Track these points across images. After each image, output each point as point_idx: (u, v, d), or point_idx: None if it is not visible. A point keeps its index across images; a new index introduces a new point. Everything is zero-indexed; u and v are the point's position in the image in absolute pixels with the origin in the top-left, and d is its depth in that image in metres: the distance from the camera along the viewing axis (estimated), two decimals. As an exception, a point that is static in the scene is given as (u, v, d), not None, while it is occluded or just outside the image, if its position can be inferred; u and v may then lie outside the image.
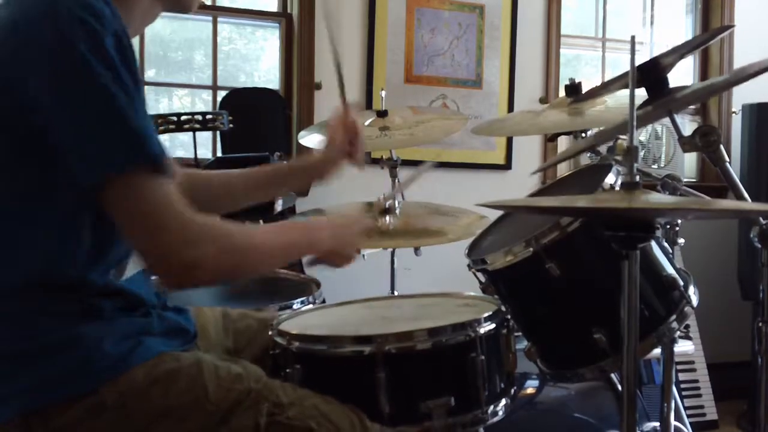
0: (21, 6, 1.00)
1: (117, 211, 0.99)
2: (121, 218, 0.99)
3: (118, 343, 1.05)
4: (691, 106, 3.71)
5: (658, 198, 1.09)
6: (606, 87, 1.66)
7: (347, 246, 1.29)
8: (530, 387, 1.82)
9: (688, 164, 3.77)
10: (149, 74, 3.10)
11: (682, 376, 3.17)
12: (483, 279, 1.48)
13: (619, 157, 1.57)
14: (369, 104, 3.10)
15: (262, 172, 1.52)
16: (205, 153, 3.05)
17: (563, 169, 3.35)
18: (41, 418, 1.01)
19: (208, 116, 2.53)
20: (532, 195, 1.74)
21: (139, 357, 1.06)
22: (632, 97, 1.08)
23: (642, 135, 3.46)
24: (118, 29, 0.98)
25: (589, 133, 2.04)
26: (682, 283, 1.37)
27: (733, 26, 3.58)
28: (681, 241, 1.71)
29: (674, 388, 1.76)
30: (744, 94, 3.35)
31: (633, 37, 1.10)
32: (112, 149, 0.96)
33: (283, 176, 1.53)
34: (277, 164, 1.63)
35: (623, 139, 1.11)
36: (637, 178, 1.08)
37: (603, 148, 1.87)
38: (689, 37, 3.82)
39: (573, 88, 2.02)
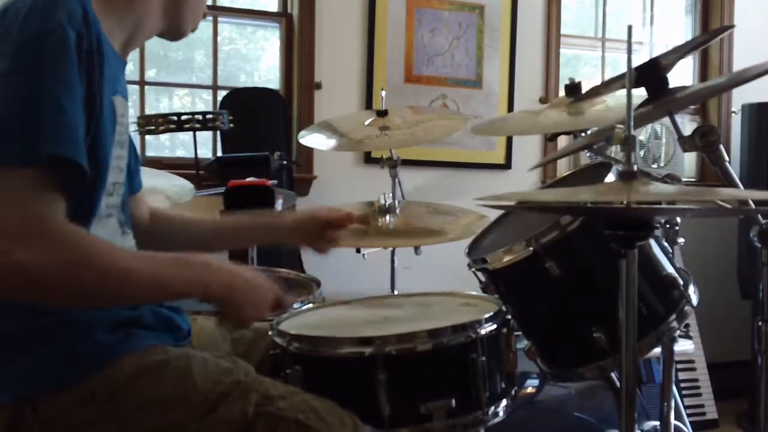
0: None
1: None
2: None
3: (107, 332, 1.06)
4: (691, 106, 3.70)
5: (657, 188, 1.09)
6: (606, 86, 1.66)
7: (248, 303, 1.12)
8: (530, 386, 1.82)
9: (688, 164, 3.77)
10: (150, 74, 3.10)
11: (682, 376, 3.16)
12: (483, 278, 1.48)
13: (616, 148, 1.57)
14: (369, 104, 3.10)
15: (230, 224, 1.51)
16: (205, 152, 3.05)
17: (563, 169, 3.35)
18: (32, 406, 1.02)
19: (209, 116, 2.53)
20: (532, 195, 1.74)
21: (129, 347, 1.07)
22: (629, 85, 1.08)
23: (642, 135, 3.45)
24: (81, 30, 0.99)
25: (588, 132, 2.04)
26: (681, 282, 1.37)
27: (733, 26, 3.58)
28: (681, 240, 1.71)
29: (674, 388, 1.76)
30: (743, 94, 3.35)
31: (630, 27, 1.09)
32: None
33: (255, 231, 1.50)
34: (250, 219, 1.53)
35: (620, 128, 1.11)
36: (636, 167, 1.08)
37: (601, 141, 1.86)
38: (689, 37, 3.81)
39: (573, 88, 2.01)
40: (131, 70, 3.03)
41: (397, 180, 2.32)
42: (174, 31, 1.25)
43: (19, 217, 0.91)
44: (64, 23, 0.96)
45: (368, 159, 3.12)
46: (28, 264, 0.90)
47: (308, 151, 3.03)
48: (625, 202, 1.06)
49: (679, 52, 1.46)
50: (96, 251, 0.97)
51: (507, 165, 3.36)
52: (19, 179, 0.92)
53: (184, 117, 2.48)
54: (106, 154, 1.07)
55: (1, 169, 0.92)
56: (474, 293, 1.51)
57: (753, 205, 1.26)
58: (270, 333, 1.32)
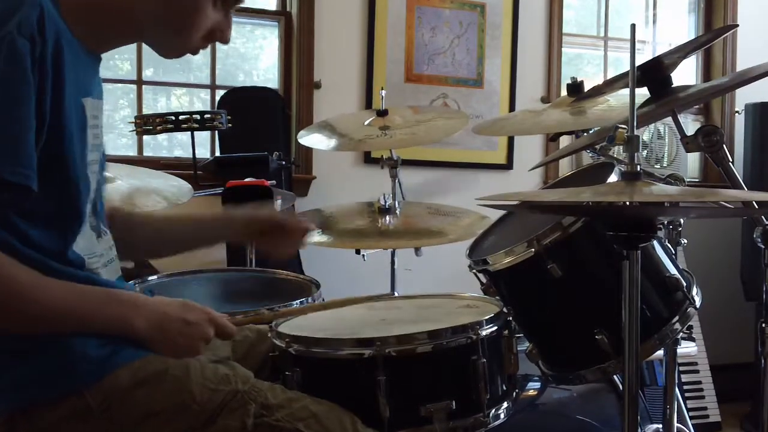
0: None
1: None
2: None
3: (102, 344, 1.05)
4: (694, 106, 3.69)
5: (660, 189, 1.08)
6: (608, 85, 1.65)
7: (181, 341, 1.07)
8: (532, 389, 1.81)
9: (691, 164, 3.75)
10: (147, 73, 3.08)
11: (684, 378, 3.15)
12: (484, 280, 1.47)
13: (619, 148, 1.56)
14: (369, 103, 3.08)
15: (182, 217, 1.48)
16: (203, 153, 3.04)
17: (564, 169, 3.34)
18: (26, 418, 1.01)
19: (207, 115, 2.51)
20: (534, 195, 1.73)
21: (124, 358, 1.06)
22: (632, 84, 1.07)
23: (645, 134, 3.44)
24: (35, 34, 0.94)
25: (590, 132, 2.03)
26: (685, 283, 1.35)
27: (736, 26, 3.56)
28: (684, 241, 1.70)
29: (677, 390, 1.75)
30: (747, 94, 3.33)
31: (633, 25, 1.08)
32: None
33: (206, 224, 1.45)
34: (204, 213, 1.52)
35: (623, 128, 1.10)
36: (639, 167, 1.07)
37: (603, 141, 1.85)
38: (692, 36, 3.80)
39: (575, 87, 2.00)
40: (128, 69, 3.02)
41: (397, 180, 2.31)
42: (158, 48, 1.15)
43: None
44: (13, 32, 0.92)
45: (368, 159, 3.10)
46: None
47: (307, 151, 3.01)
48: (627, 203, 1.05)
49: (682, 52, 1.45)
50: (17, 285, 0.94)
51: (508, 165, 3.34)
52: None
53: (181, 117, 2.46)
54: (77, 160, 1.03)
55: None
56: (475, 295, 1.50)
57: (756, 206, 1.24)
58: (269, 335, 1.31)
